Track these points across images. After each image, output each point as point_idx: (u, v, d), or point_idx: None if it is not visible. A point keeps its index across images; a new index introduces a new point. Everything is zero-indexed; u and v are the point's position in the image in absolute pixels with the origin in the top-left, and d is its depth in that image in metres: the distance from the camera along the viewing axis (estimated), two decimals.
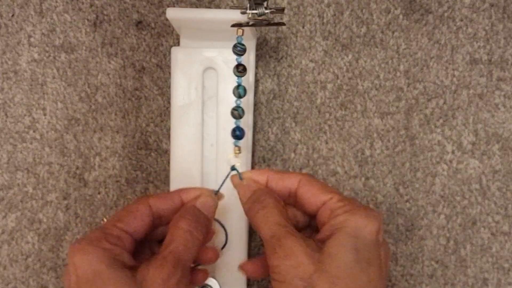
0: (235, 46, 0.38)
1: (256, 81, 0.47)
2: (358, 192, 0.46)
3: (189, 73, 0.42)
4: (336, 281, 0.30)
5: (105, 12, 0.48)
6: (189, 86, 0.42)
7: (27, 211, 0.46)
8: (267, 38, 0.47)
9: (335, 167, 0.46)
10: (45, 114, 0.47)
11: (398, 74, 0.47)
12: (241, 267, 0.37)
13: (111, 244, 0.32)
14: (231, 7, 0.48)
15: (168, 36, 0.47)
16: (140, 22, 0.48)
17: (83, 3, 0.48)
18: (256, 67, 0.47)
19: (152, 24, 0.47)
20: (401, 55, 0.47)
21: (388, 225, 0.46)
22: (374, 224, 0.32)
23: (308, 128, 0.47)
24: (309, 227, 0.37)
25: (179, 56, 0.42)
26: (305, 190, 0.35)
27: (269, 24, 0.38)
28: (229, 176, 0.38)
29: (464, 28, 0.47)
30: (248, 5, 0.37)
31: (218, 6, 0.48)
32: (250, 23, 0.38)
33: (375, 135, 0.46)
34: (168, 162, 0.46)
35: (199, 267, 0.38)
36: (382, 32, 0.47)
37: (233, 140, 0.39)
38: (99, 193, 0.46)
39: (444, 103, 0.47)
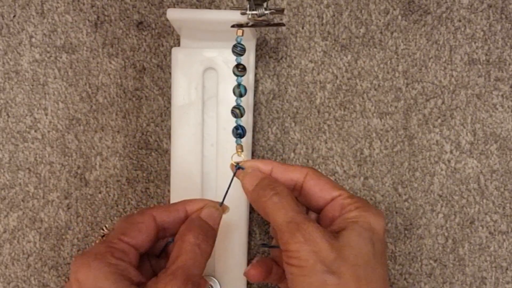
0: (235, 47, 0.38)
1: (256, 81, 0.47)
2: (357, 191, 0.46)
3: (189, 73, 0.42)
4: (356, 270, 0.31)
5: (106, 13, 0.48)
6: (189, 86, 0.42)
7: (29, 210, 0.47)
8: (266, 38, 0.48)
9: (334, 166, 0.47)
10: (46, 114, 0.47)
11: (396, 74, 0.47)
12: (246, 275, 0.37)
13: (116, 259, 0.31)
14: (231, 8, 0.48)
15: (169, 37, 0.48)
16: (140, 22, 0.48)
17: (84, 4, 0.48)
18: (256, 68, 0.47)
19: (153, 25, 0.48)
20: (400, 55, 0.47)
21: (387, 224, 0.46)
22: (383, 221, 0.33)
23: (307, 128, 0.47)
24: None
25: (179, 57, 0.42)
26: (312, 183, 0.35)
27: (269, 24, 0.38)
28: (233, 178, 0.37)
29: (462, 29, 0.47)
30: (248, 6, 0.37)
31: (218, 7, 0.48)
32: (250, 23, 0.38)
33: (374, 135, 0.47)
34: (169, 162, 0.46)
35: None
36: (381, 32, 0.47)
37: (234, 139, 0.39)
38: (100, 192, 0.47)
39: (443, 103, 0.47)
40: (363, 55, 0.47)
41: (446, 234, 0.46)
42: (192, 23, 0.41)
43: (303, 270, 0.31)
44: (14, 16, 0.48)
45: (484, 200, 0.46)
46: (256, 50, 0.46)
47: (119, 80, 0.47)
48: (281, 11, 0.38)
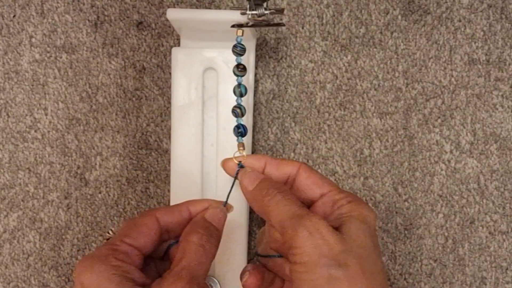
0: (235, 47, 0.38)
1: (256, 81, 0.47)
2: (357, 191, 0.46)
3: (189, 73, 0.42)
4: (362, 262, 0.30)
5: (106, 13, 0.48)
6: (189, 86, 0.42)
7: (29, 210, 0.47)
8: (266, 38, 0.48)
9: (334, 166, 0.47)
10: (46, 114, 0.47)
11: (396, 74, 0.47)
12: (245, 284, 0.36)
13: (119, 261, 0.31)
14: (231, 8, 0.48)
15: (169, 37, 0.48)
16: (140, 22, 0.48)
17: (84, 4, 0.48)
18: (256, 68, 0.47)
19: (153, 25, 0.48)
20: (400, 55, 0.47)
21: (387, 224, 0.46)
22: (375, 215, 0.34)
23: (307, 128, 0.47)
24: None
25: (179, 57, 0.42)
26: (305, 176, 0.36)
27: (269, 24, 0.38)
28: (236, 178, 0.38)
29: (462, 29, 0.47)
30: (248, 6, 0.37)
31: (218, 7, 0.48)
32: (250, 23, 0.38)
33: (374, 135, 0.47)
34: (169, 162, 0.46)
35: None
36: (381, 32, 0.47)
37: (234, 139, 0.39)
38: (100, 192, 0.47)
39: (443, 103, 0.47)
40: (363, 55, 0.47)
41: (446, 234, 0.46)
42: (192, 23, 0.41)
43: (307, 266, 0.30)
44: (14, 16, 0.48)
45: (484, 200, 0.46)
46: (256, 50, 0.46)
47: (119, 80, 0.47)
48: (281, 11, 0.38)
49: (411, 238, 0.46)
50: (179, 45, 0.45)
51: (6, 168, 0.47)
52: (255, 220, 0.46)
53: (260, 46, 0.47)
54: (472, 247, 0.46)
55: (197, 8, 0.48)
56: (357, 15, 0.47)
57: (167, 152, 0.47)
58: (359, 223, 0.32)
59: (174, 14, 0.40)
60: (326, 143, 0.47)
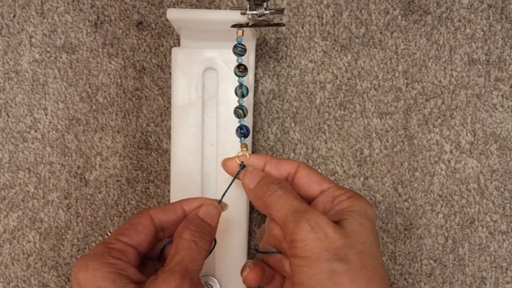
0: (235, 47, 0.38)
1: (256, 81, 0.47)
2: (357, 191, 0.46)
3: (189, 73, 0.42)
4: (363, 257, 0.31)
5: (105, 13, 0.48)
6: (189, 86, 0.42)
7: (29, 210, 0.47)
8: (266, 38, 0.48)
9: (334, 166, 0.47)
10: (46, 114, 0.47)
11: (396, 74, 0.47)
12: (245, 279, 0.37)
13: (115, 259, 0.31)
14: (231, 8, 0.48)
15: (169, 37, 0.48)
16: (140, 22, 0.48)
17: (84, 4, 0.48)
18: (256, 68, 0.47)
19: (153, 25, 0.48)
20: (400, 55, 0.47)
21: (387, 224, 0.46)
22: (374, 210, 0.34)
23: (307, 128, 0.47)
24: None
25: (179, 57, 0.42)
26: (304, 174, 0.36)
27: (269, 24, 0.38)
28: (235, 177, 0.38)
29: (462, 29, 0.47)
30: (248, 6, 0.37)
31: (218, 7, 0.48)
32: (250, 23, 0.38)
33: (374, 135, 0.47)
34: (169, 162, 0.46)
35: None
36: (381, 32, 0.47)
37: (234, 139, 0.39)
38: (100, 192, 0.47)
39: (443, 103, 0.47)
40: (363, 55, 0.47)
41: (446, 234, 0.46)
42: (192, 23, 0.41)
43: (309, 260, 0.31)
44: (14, 16, 0.48)
45: (484, 200, 0.46)
46: (256, 50, 0.47)
47: (119, 80, 0.47)
48: (281, 11, 0.38)
49: (411, 238, 0.46)
50: (179, 45, 0.45)
51: (6, 168, 0.47)
52: (255, 220, 0.46)
53: (260, 46, 0.47)
54: (472, 247, 0.46)
55: (197, 8, 0.48)
56: (357, 15, 0.47)
57: (167, 152, 0.47)
58: (360, 218, 0.33)
59: (174, 14, 0.40)
60: (326, 143, 0.47)
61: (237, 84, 0.39)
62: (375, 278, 0.31)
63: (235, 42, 0.38)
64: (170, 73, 0.47)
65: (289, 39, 0.48)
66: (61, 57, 0.48)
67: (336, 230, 0.31)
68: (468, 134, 0.47)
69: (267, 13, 0.37)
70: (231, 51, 0.38)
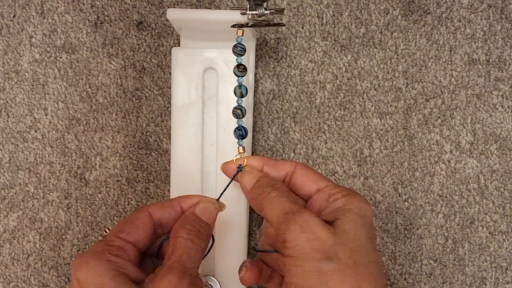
0: (235, 47, 0.38)
1: (256, 81, 0.47)
2: (357, 191, 0.46)
3: (189, 73, 0.42)
4: (353, 255, 0.31)
5: (106, 13, 0.48)
6: (189, 86, 0.42)
7: (29, 210, 0.47)
8: (266, 38, 0.48)
9: (334, 166, 0.47)
10: (46, 114, 0.47)
11: (396, 74, 0.47)
12: (242, 278, 0.37)
13: (114, 256, 0.31)
14: (231, 8, 0.48)
15: (169, 37, 0.48)
16: (140, 22, 0.48)
17: (84, 4, 0.48)
18: (256, 68, 0.47)
19: (153, 25, 0.48)
20: (400, 55, 0.47)
21: (387, 224, 0.46)
22: (371, 207, 0.34)
23: (307, 128, 0.47)
24: None
25: (179, 57, 0.42)
26: (302, 173, 0.36)
27: (269, 24, 0.38)
28: (233, 178, 0.38)
29: (462, 29, 0.47)
30: (248, 6, 0.37)
31: (218, 7, 0.48)
32: (250, 23, 0.38)
33: (374, 135, 0.47)
34: (169, 162, 0.46)
35: None
36: (381, 32, 0.47)
37: (234, 139, 0.39)
38: (100, 192, 0.47)
39: (443, 103, 0.47)
40: (363, 55, 0.47)
41: (446, 234, 0.46)
42: (192, 23, 0.41)
43: (299, 260, 0.31)
44: (14, 16, 0.48)
45: (484, 200, 0.46)
46: (256, 50, 0.47)
47: (119, 80, 0.47)
48: (281, 11, 0.38)
49: (411, 238, 0.46)
50: (179, 45, 0.45)
51: (6, 168, 0.47)
52: (255, 220, 0.46)
53: (260, 46, 0.47)
54: (472, 247, 0.46)
55: (197, 8, 0.48)
56: (357, 15, 0.47)
57: (167, 152, 0.47)
58: (354, 216, 0.33)
59: (174, 14, 0.40)
60: (326, 143, 0.47)
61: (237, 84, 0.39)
62: (367, 275, 0.31)
63: (235, 42, 0.38)
64: (170, 73, 0.47)
65: (289, 39, 0.48)
66: (61, 57, 0.48)
67: (326, 229, 0.31)
68: (468, 134, 0.47)
69: (267, 13, 0.37)
70: (231, 51, 0.38)
